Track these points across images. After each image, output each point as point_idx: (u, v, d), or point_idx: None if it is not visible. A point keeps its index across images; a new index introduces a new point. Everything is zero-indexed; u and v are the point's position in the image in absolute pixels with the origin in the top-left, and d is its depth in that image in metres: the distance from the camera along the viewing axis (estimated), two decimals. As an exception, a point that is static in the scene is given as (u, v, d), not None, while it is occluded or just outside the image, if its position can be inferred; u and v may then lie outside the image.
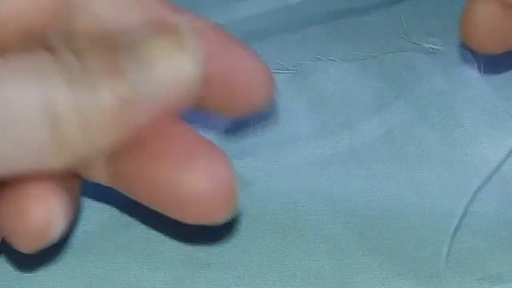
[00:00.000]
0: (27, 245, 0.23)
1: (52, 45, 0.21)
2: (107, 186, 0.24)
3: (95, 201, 0.31)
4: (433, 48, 0.38)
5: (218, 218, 0.23)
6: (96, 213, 0.31)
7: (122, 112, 0.21)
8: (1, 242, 0.24)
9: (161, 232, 0.30)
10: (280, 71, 0.37)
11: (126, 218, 0.31)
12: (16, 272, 0.29)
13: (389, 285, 0.29)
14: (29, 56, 0.21)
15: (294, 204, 0.31)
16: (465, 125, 0.34)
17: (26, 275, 0.29)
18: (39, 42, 0.22)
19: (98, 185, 0.24)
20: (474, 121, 0.34)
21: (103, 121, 0.21)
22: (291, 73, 0.37)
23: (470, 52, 0.36)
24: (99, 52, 0.21)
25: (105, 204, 0.31)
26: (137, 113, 0.22)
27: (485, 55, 0.28)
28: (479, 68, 0.36)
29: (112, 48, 0.21)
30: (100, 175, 0.24)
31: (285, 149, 0.34)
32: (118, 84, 0.21)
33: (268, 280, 0.29)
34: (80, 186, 0.25)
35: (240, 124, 0.34)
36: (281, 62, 0.37)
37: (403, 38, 0.38)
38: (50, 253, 0.29)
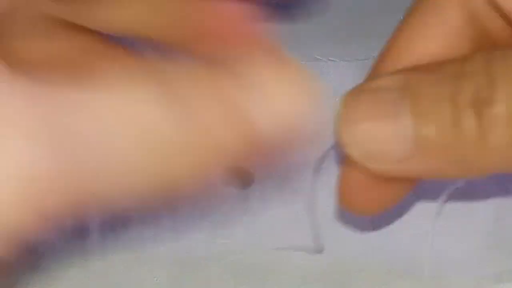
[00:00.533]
0: None
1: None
2: None
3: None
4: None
5: None
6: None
7: None
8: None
9: (161, 232, 0.30)
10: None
11: (126, 218, 0.31)
12: (14, 272, 0.29)
13: (389, 285, 0.29)
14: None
15: (294, 207, 0.31)
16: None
17: (26, 275, 0.29)
18: None
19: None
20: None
21: None
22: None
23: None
24: None
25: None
26: None
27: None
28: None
29: None
30: None
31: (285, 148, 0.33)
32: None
33: (268, 280, 0.29)
34: None
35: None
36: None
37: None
38: (50, 253, 0.29)
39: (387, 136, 0.23)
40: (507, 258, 0.30)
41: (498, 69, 0.23)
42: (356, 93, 0.25)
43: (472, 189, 0.32)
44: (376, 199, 0.26)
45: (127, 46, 0.24)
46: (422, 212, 0.31)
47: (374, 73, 0.26)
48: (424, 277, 0.29)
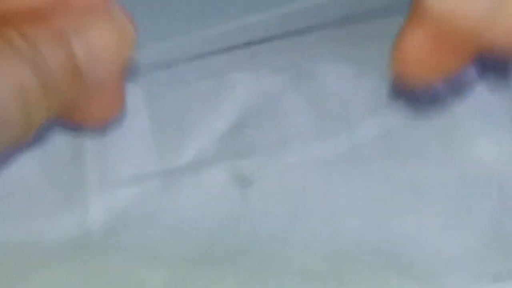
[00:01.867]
0: None
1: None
2: None
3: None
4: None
5: None
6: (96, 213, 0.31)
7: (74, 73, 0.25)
8: None
9: (161, 232, 0.30)
10: (280, 71, 0.37)
11: (126, 218, 0.31)
12: (16, 272, 0.29)
13: (389, 285, 0.29)
14: None
15: (293, 204, 0.31)
16: (464, 125, 0.34)
17: (26, 275, 0.29)
18: None
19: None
20: (472, 121, 0.34)
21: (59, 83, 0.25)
22: (291, 73, 0.37)
23: None
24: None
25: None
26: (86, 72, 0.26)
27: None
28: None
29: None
30: None
31: (284, 149, 0.34)
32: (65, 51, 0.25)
33: (268, 280, 0.29)
34: None
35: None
36: (281, 62, 0.37)
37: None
38: (50, 253, 0.29)
39: None
40: (505, 258, 0.30)
41: None
42: None
43: (469, 187, 0.32)
44: (435, 65, 0.25)
45: None
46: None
47: None
48: (423, 276, 0.29)
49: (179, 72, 0.37)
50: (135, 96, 0.33)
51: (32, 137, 0.26)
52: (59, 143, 0.33)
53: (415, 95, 0.30)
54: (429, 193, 0.32)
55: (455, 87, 0.30)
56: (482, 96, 0.35)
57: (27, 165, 0.32)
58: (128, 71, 0.28)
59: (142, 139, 0.33)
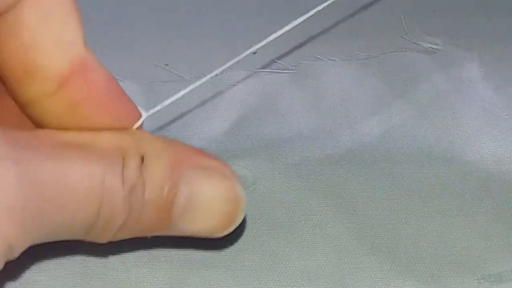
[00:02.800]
0: None
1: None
2: None
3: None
4: (433, 48, 0.38)
5: None
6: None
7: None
8: None
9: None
10: (280, 71, 0.37)
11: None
12: (15, 272, 0.29)
13: (389, 284, 0.29)
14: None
15: (294, 204, 0.31)
16: (465, 125, 0.34)
17: (25, 275, 0.29)
18: None
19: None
20: (473, 121, 0.34)
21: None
22: (291, 73, 0.37)
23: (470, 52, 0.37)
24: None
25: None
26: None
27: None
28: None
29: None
30: None
31: (285, 148, 0.34)
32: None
33: (268, 280, 0.29)
34: None
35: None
36: (281, 62, 0.37)
37: (403, 38, 0.38)
38: (50, 253, 0.29)
39: None
40: (507, 258, 0.30)
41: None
42: None
43: (470, 187, 0.32)
44: None
45: None
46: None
47: None
48: (425, 277, 0.29)
49: (178, 71, 0.37)
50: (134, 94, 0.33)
51: None
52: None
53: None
54: (430, 192, 0.32)
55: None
56: (483, 95, 0.35)
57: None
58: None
59: None
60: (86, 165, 0.23)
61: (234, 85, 0.36)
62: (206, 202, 0.25)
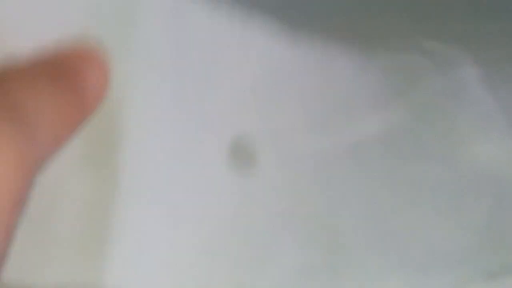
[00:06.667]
0: None
1: None
2: None
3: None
4: (431, 50, 0.38)
5: None
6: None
7: None
8: None
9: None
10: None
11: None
12: (13, 272, 0.29)
13: (383, 280, 0.29)
14: None
15: (293, 200, 0.32)
16: (464, 125, 0.34)
17: (24, 275, 0.29)
18: None
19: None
20: (472, 121, 0.35)
21: None
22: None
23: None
24: None
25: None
26: None
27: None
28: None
29: None
30: None
31: (286, 147, 0.34)
32: None
33: (265, 273, 0.29)
34: None
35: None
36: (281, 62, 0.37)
37: (401, 39, 0.39)
38: (50, 253, 0.29)
39: None
40: (500, 255, 0.30)
41: None
42: None
43: (466, 186, 0.32)
44: None
45: None
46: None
47: None
48: (417, 272, 0.29)
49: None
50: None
51: None
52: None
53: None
54: (426, 191, 0.32)
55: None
56: (482, 96, 0.36)
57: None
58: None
59: None
60: None
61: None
62: None
